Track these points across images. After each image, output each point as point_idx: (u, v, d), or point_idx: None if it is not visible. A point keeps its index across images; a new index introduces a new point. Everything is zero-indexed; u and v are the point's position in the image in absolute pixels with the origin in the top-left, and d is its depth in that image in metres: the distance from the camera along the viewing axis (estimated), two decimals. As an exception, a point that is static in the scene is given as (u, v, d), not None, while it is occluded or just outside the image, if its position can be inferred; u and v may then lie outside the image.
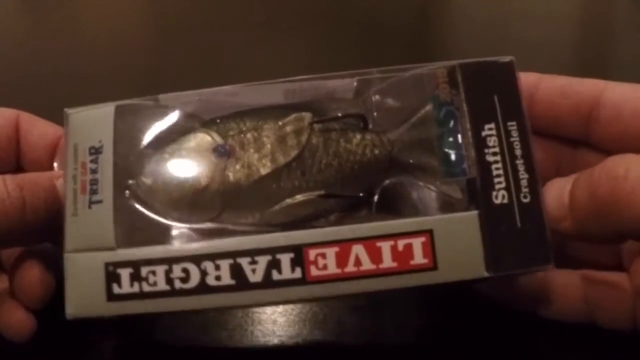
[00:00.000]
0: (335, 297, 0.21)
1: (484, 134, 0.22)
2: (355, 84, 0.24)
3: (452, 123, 0.22)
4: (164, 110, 0.24)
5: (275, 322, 0.26)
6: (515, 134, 0.22)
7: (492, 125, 0.22)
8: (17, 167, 0.26)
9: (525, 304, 0.24)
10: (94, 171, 0.22)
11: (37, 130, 0.26)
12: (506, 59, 0.23)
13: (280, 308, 0.26)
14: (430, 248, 0.20)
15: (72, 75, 0.42)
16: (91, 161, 0.23)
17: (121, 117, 0.23)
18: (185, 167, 0.23)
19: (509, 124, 0.22)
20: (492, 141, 0.22)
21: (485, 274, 0.20)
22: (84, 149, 0.23)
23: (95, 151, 0.23)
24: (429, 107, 0.23)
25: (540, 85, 0.24)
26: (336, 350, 0.26)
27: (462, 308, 0.26)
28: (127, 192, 0.23)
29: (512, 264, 0.20)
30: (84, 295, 0.21)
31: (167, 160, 0.23)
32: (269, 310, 0.26)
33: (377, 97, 0.24)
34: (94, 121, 0.23)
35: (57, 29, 0.49)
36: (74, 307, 0.21)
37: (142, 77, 0.42)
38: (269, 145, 0.23)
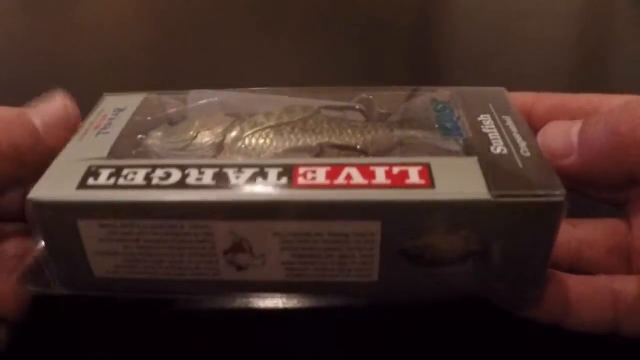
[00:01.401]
0: (321, 214, 0.18)
1: (479, 119, 0.23)
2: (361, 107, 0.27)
3: (447, 111, 0.24)
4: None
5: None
6: (510, 123, 0.22)
7: (488, 116, 0.23)
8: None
9: (549, 314, 0.21)
10: (111, 119, 0.24)
11: None
12: (499, 88, 0.25)
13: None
14: (428, 174, 0.19)
15: (72, 75, 0.41)
16: (111, 115, 0.24)
17: (149, 100, 0.26)
18: (195, 121, 0.24)
19: (504, 117, 0.23)
20: (488, 123, 0.22)
21: (488, 196, 0.18)
22: (109, 110, 0.25)
23: (118, 110, 0.24)
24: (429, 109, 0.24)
25: (535, 105, 0.24)
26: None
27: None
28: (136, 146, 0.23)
29: (517, 187, 0.18)
30: (54, 183, 0.20)
31: (182, 120, 0.24)
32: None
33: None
34: (124, 99, 0.26)
35: (57, 29, 0.49)
36: (38, 191, 0.19)
37: (142, 77, 0.41)
38: (276, 114, 0.24)
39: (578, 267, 0.23)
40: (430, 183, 0.19)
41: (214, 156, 0.22)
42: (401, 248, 0.19)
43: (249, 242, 0.19)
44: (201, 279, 0.21)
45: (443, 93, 0.25)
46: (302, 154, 0.22)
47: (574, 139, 0.20)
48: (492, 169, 0.19)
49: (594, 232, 0.24)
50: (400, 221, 0.19)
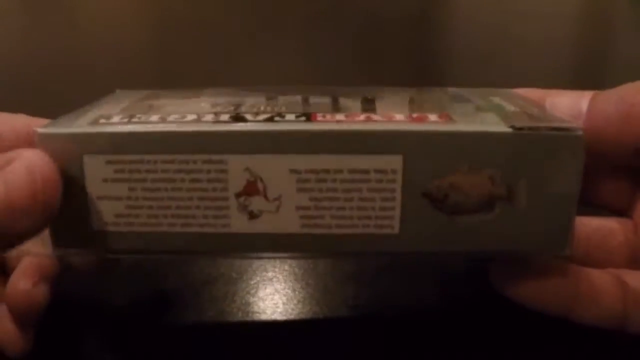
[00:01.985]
0: (341, 146, 0.18)
1: (490, 99, 0.23)
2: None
3: (460, 95, 0.24)
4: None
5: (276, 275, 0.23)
6: (522, 103, 0.22)
7: (497, 97, 0.23)
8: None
9: (557, 305, 0.21)
10: (122, 97, 0.23)
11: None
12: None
13: (282, 282, 0.22)
14: (448, 116, 0.19)
15: (72, 75, 0.41)
16: (122, 95, 0.24)
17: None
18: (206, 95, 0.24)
19: (513, 100, 0.23)
20: (498, 100, 0.22)
21: (507, 129, 0.18)
22: (120, 94, 0.24)
23: (129, 93, 0.24)
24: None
25: (545, 103, 0.24)
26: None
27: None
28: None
29: (535, 125, 0.18)
30: (61, 123, 0.19)
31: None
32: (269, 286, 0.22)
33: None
34: (135, 92, 0.25)
35: (57, 29, 0.50)
36: (46, 126, 0.19)
37: (143, 77, 0.41)
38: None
39: (586, 263, 0.23)
40: (450, 121, 0.19)
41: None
42: (424, 190, 0.19)
43: (264, 181, 0.19)
44: (209, 232, 0.20)
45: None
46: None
47: (583, 108, 0.20)
48: (509, 117, 0.19)
49: (602, 229, 0.24)
50: (422, 156, 0.18)
